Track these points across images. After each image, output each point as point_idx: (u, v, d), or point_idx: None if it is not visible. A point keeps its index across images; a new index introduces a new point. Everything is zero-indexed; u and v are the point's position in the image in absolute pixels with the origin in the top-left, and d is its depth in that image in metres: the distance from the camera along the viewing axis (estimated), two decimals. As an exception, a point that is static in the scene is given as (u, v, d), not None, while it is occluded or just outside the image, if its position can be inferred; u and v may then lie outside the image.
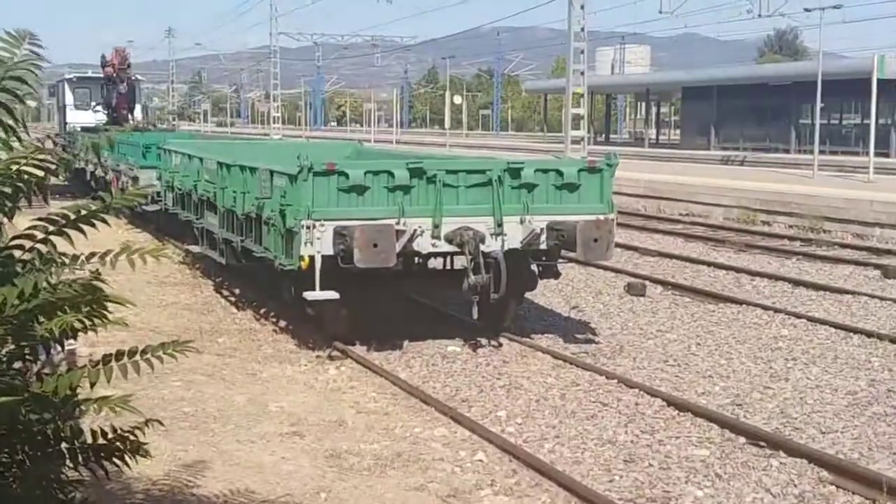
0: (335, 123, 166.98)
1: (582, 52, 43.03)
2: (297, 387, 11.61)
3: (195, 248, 18.73)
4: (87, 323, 4.89)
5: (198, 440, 9.09)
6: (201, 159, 17.77)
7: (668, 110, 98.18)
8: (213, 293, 17.41)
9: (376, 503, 8.03)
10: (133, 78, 40.00)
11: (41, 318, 4.69)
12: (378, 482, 8.48)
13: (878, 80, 39.44)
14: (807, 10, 48.12)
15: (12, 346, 4.73)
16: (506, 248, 12.96)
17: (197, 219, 17.94)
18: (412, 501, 8.08)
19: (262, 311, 15.68)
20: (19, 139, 4.84)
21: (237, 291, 17.22)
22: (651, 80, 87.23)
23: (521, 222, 13.11)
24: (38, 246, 4.91)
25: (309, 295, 12.54)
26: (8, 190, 4.62)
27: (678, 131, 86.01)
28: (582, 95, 43.54)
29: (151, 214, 23.02)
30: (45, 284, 4.66)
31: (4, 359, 4.73)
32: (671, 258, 21.49)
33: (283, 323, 14.82)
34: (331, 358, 12.93)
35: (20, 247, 4.99)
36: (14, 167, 4.56)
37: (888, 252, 21.92)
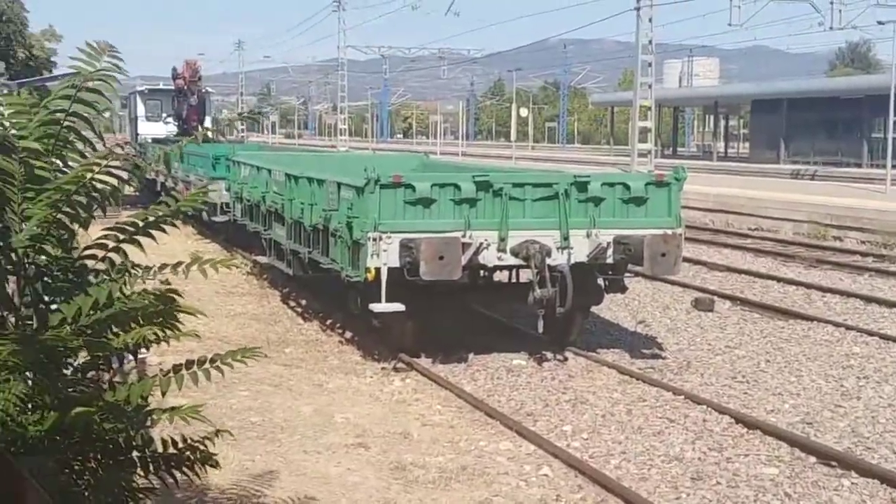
0: (401, 135, 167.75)
1: (650, 64, 42.83)
2: (363, 398, 11.64)
3: (262, 259, 18.88)
4: (160, 334, 4.95)
5: (265, 450, 9.15)
6: (269, 171, 17.91)
7: (736, 123, 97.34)
8: (279, 304, 17.53)
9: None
10: (203, 90, 40.38)
11: (114, 329, 4.74)
12: (443, 495, 8.47)
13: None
14: (880, 22, 47.59)
15: (87, 356, 4.79)
16: (572, 261, 12.92)
17: (265, 230, 18.07)
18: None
19: (328, 322, 15.75)
20: (95, 150, 4.90)
21: (304, 302, 17.32)
22: (720, 93, 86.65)
23: (588, 236, 13.05)
24: (111, 255, 4.96)
25: (375, 307, 12.58)
26: (83, 199, 4.67)
27: (747, 144, 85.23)
28: (649, 108, 43.28)
29: (220, 225, 23.25)
30: (118, 294, 4.72)
31: (79, 368, 4.81)
32: (740, 273, 21.25)
33: (348, 334, 14.88)
34: (396, 370, 12.97)
35: (93, 256, 5.05)
36: (87, 175, 4.60)
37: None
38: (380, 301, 12.48)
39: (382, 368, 13.05)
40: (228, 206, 21.43)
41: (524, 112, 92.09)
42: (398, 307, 12.56)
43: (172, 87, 39.87)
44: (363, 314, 13.46)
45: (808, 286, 19.50)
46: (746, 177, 50.21)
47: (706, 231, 29.79)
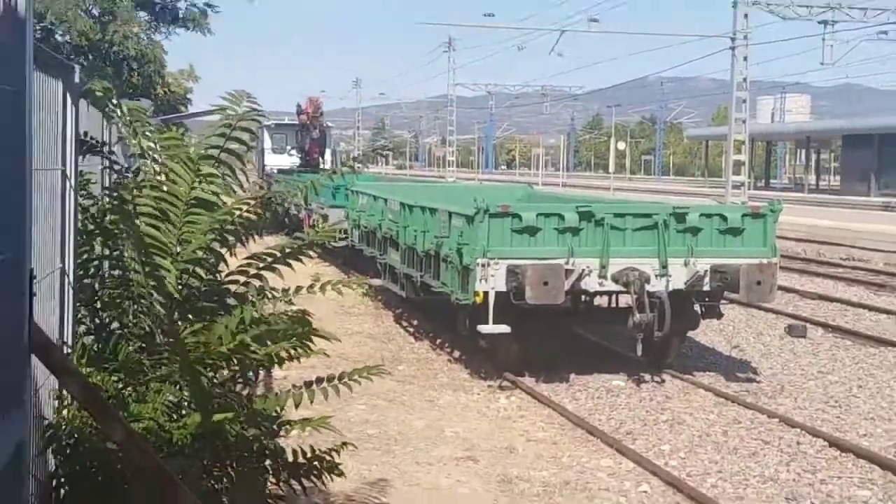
0: (505, 167, 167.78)
1: (744, 101, 42.51)
2: (471, 414, 11.68)
3: (377, 282, 18.99)
4: (293, 352, 5.08)
5: (381, 460, 9.23)
6: (385, 200, 18.10)
7: (827, 157, 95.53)
8: (393, 323, 17.65)
9: (546, 528, 8.04)
10: (324, 125, 40.92)
11: (253, 346, 4.88)
12: (547, 509, 8.49)
13: None
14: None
15: (228, 371, 4.94)
16: (670, 288, 12.83)
17: (380, 255, 18.22)
18: (580, 527, 8.05)
19: (438, 341, 15.81)
20: (241, 186, 5.07)
21: (415, 322, 17.41)
22: (811, 128, 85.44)
23: (686, 264, 12.97)
24: (252, 280, 5.12)
25: (482, 328, 12.64)
26: (232, 229, 4.84)
27: (838, 178, 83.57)
28: (743, 142, 42.90)
29: (339, 250, 23.46)
30: (260, 314, 4.87)
31: (221, 381, 4.96)
32: (832, 301, 20.83)
33: (457, 353, 14.91)
34: (501, 388, 12.97)
35: (235, 281, 5.21)
36: (237, 211, 4.76)
37: None
38: (487, 323, 12.54)
39: (489, 386, 13.07)
40: (346, 232, 21.67)
41: (622, 145, 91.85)
42: (504, 329, 12.61)
43: (296, 122, 40.40)
44: (471, 335, 13.50)
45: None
46: (838, 208, 49.27)
47: (799, 260, 29.21)
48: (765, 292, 13.03)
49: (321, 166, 36.32)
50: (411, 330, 17.11)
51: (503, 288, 12.46)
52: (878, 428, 11.40)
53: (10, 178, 2.41)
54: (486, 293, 12.45)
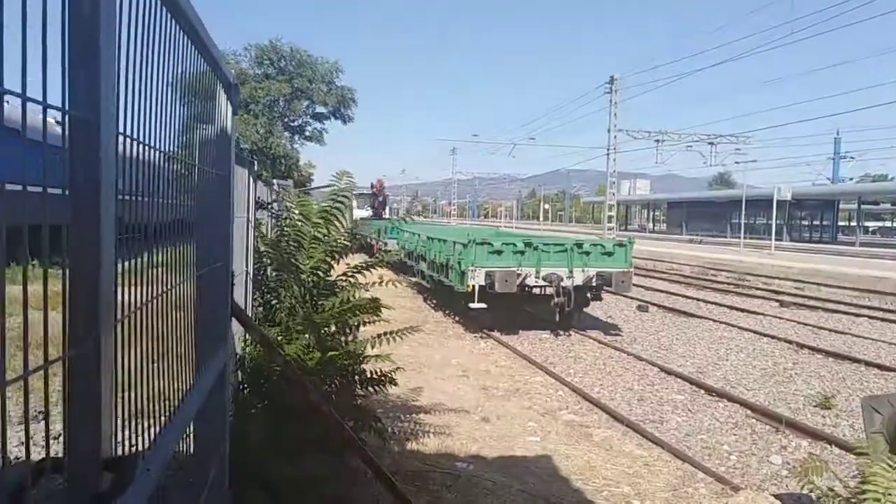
0: (483, 217, 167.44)
1: (613, 182, 42.65)
2: (465, 352, 11.65)
3: (413, 279, 18.98)
4: (370, 318, 5.07)
5: (416, 377, 9.24)
6: (419, 234, 18.10)
7: (658, 214, 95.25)
8: (422, 302, 17.60)
9: (505, 413, 8.00)
10: (385, 194, 41.06)
11: (348, 314, 4.88)
12: (506, 403, 8.44)
13: (778, 201, 38.04)
14: (737, 162, 46.85)
15: (335, 328, 4.94)
16: (574, 284, 12.80)
17: (416, 264, 18.20)
18: (525, 415, 7.98)
19: (447, 312, 15.75)
20: (342, 226, 5.08)
21: (434, 301, 17.33)
22: (651, 198, 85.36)
23: (583, 271, 12.94)
24: (350, 279, 5.12)
25: (471, 305, 12.61)
26: (339, 250, 4.85)
27: (664, 225, 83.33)
28: (613, 205, 43.07)
29: (393, 262, 23.38)
30: (352, 298, 4.87)
31: (332, 333, 4.96)
32: (662, 292, 20.76)
33: (457, 318, 14.84)
34: (481, 337, 12.92)
35: (339, 279, 5.20)
36: (339, 241, 4.77)
37: (782, 292, 20.72)
38: (474, 302, 12.52)
39: (474, 336, 13.03)
40: (397, 252, 21.61)
41: (547, 206, 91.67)
42: (483, 306, 12.58)
43: (370, 192, 40.55)
44: (464, 309, 13.48)
45: (698, 300, 18.97)
46: (665, 242, 49.23)
47: (644, 269, 29.02)
48: (626, 287, 12.98)
49: (383, 216, 36.41)
50: (432, 306, 17.03)
51: (483, 283, 12.44)
52: (688, 362, 11.36)
53: (223, 222, 2.42)
54: (473, 286, 12.43)
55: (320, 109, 34.07)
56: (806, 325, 14.96)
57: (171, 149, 1.63)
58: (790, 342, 12.84)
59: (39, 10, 0.88)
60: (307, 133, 35.50)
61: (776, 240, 40.11)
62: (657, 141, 45.13)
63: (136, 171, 1.29)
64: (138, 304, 1.38)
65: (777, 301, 18.90)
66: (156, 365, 1.56)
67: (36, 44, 0.88)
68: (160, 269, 1.60)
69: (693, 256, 32.05)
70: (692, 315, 16.05)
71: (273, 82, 32.22)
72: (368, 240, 28.17)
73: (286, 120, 33.78)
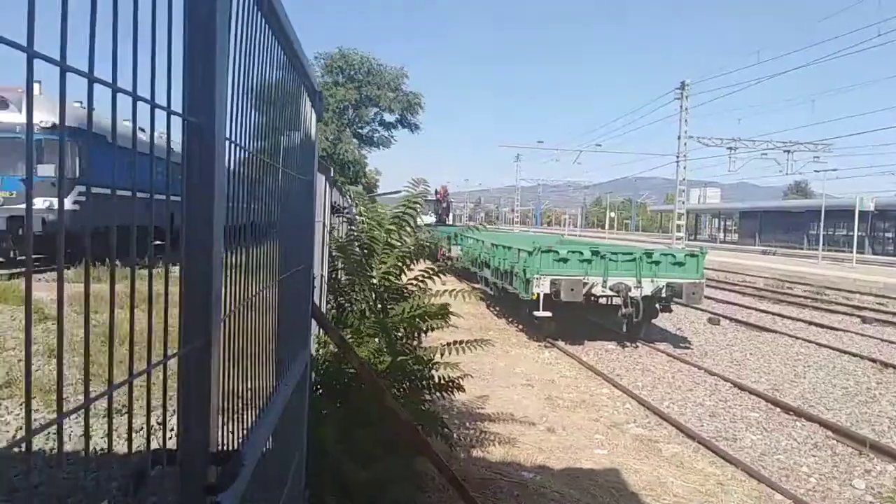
0: (546, 225, 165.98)
1: (683, 190, 41.57)
2: (529, 360, 11.55)
3: (477, 286, 18.94)
4: (439, 324, 5.09)
5: (481, 385, 9.21)
6: (483, 241, 18.09)
7: (730, 223, 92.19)
8: (485, 309, 17.56)
9: (570, 424, 7.88)
10: (449, 200, 41.35)
11: (418, 320, 4.90)
12: (572, 414, 8.32)
13: (860, 211, 36.35)
14: (816, 171, 44.93)
15: (403, 332, 4.98)
16: (642, 294, 12.53)
17: (479, 271, 18.21)
18: (591, 427, 7.86)
19: (510, 319, 15.69)
20: (413, 233, 5.13)
21: (497, 309, 17.29)
22: (723, 207, 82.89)
23: (652, 281, 12.65)
24: (420, 283, 5.15)
25: (536, 313, 12.51)
26: (410, 256, 4.88)
27: (736, 235, 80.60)
28: (682, 214, 42.02)
29: (455, 269, 23.43)
30: (421, 304, 4.90)
31: (400, 337, 5.00)
32: (734, 305, 20.08)
33: (520, 326, 14.76)
34: (545, 347, 12.79)
35: (411, 282, 5.24)
36: (412, 246, 4.80)
37: (864, 307, 19.70)
38: (538, 310, 12.42)
39: (538, 345, 12.92)
40: (459, 259, 21.66)
41: (613, 214, 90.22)
42: (548, 314, 12.45)
43: (434, 198, 40.89)
44: (528, 317, 13.38)
45: (773, 314, 18.25)
46: (736, 253, 47.62)
47: (715, 281, 28.10)
48: (697, 299, 12.62)
49: (446, 223, 36.66)
50: (495, 313, 16.99)
51: (548, 291, 12.32)
52: (762, 378, 10.94)
53: (307, 226, 2.48)
54: (538, 294, 12.33)
55: (388, 117, 34.58)
56: (890, 342, 14.17)
57: (267, 154, 1.68)
58: (873, 360, 12.19)
59: (165, 18, 0.92)
60: (374, 139, 36.09)
61: (858, 252, 38.26)
62: (730, 148, 43.74)
63: (239, 175, 1.34)
64: (234, 305, 1.42)
65: (859, 317, 17.98)
66: (248, 364, 1.61)
67: (160, 52, 0.92)
68: (253, 270, 1.65)
69: (767, 268, 30.88)
70: (767, 329, 15.45)
71: (342, 89, 32.91)
72: (434, 246, 28.33)
73: (354, 127, 34.43)
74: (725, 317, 17.13)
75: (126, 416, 0.97)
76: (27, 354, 0.74)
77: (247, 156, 1.49)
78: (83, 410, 0.82)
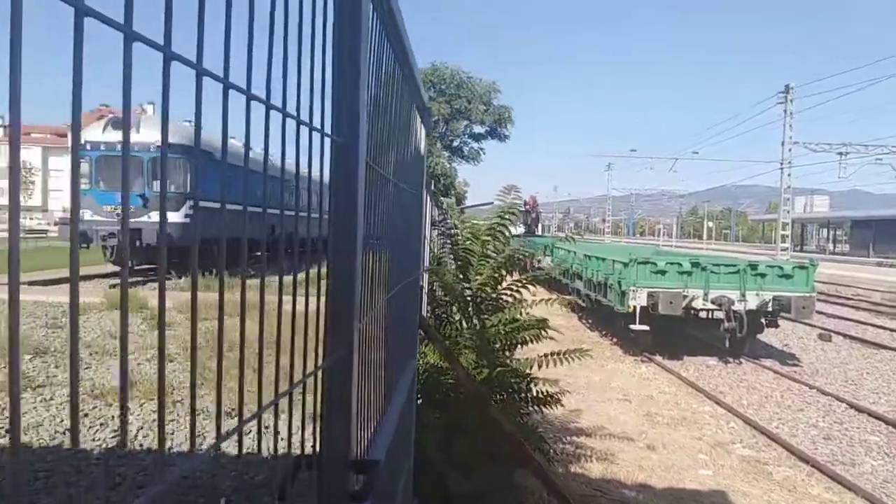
0: (639, 235, 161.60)
1: (788, 199, 39.51)
2: (625, 375, 11.26)
3: (568, 298, 18.65)
4: (535, 337, 5.05)
5: (576, 399, 9.07)
6: (575, 252, 17.82)
7: (840, 233, 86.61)
8: (578, 322, 17.28)
9: (671, 442, 7.61)
10: (538, 210, 41.09)
11: (516, 333, 4.88)
12: (673, 432, 8.05)
13: None
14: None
15: (499, 344, 4.97)
16: (747, 308, 11.97)
17: (571, 283, 17.94)
18: (694, 445, 7.56)
19: (604, 332, 15.35)
20: (507, 243, 5.13)
21: (590, 321, 16.99)
22: (832, 216, 78.13)
23: (757, 295, 12.06)
24: (514, 293, 5.14)
25: (632, 327, 12.19)
26: (506, 267, 4.88)
27: (846, 247, 75.65)
28: (787, 223, 39.94)
29: (545, 280, 23.15)
30: (518, 316, 4.88)
31: (498, 349, 4.99)
32: (847, 320, 18.82)
33: (615, 339, 14.42)
34: (642, 361, 12.43)
35: (504, 293, 5.24)
36: (512, 255, 4.80)
37: None
38: (635, 323, 12.10)
39: (635, 359, 12.57)
40: (551, 269, 21.39)
41: (711, 224, 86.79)
42: (645, 328, 12.11)
43: (524, 208, 40.75)
44: (623, 330, 13.05)
45: (891, 329, 16.91)
46: (847, 265, 44.64)
47: (825, 294, 26.42)
48: (807, 313, 11.94)
49: (536, 233, 36.41)
50: (587, 325, 16.68)
51: (645, 304, 11.98)
52: (881, 398, 10.20)
53: (416, 237, 2.53)
54: (634, 306, 12.02)
55: (478, 129, 34.75)
56: None
57: (387, 169, 1.74)
58: None
59: (309, 40, 0.97)
60: (464, 152, 36.38)
61: None
62: (840, 154, 41.22)
63: (371, 190, 1.39)
64: (364, 315, 1.47)
65: None
66: (370, 373, 1.66)
67: (305, 72, 0.97)
68: (376, 281, 1.70)
69: (883, 281, 28.78)
70: (885, 347, 14.38)
71: (434, 104, 33.42)
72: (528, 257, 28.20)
73: (445, 140, 34.83)
74: (838, 332, 16.09)
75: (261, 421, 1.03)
76: (192, 360, 0.79)
77: (372, 171, 1.54)
78: (237, 419, 0.87)
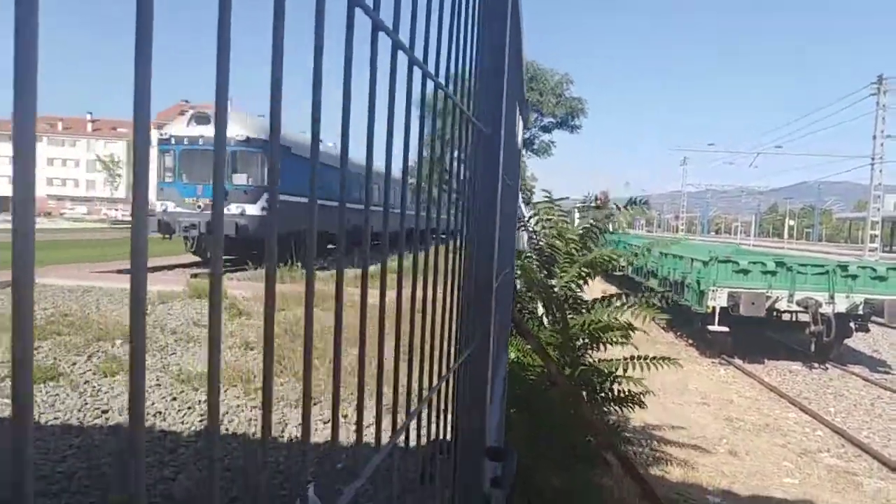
0: (714, 233, 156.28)
1: (878, 196, 37.52)
2: (702, 377, 10.98)
3: (638, 300, 18.25)
4: (617, 339, 4.98)
5: (652, 400, 8.80)
6: (649, 250, 17.38)
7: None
8: (651, 322, 16.87)
9: (754, 448, 7.37)
10: (609, 207, 40.37)
11: (600, 333, 4.82)
12: (755, 438, 7.80)
13: None
14: None
15: (585, 342, 4.92)
16: (835, 311, 11.43)
17: (645, 280, 17.53)
18: (778, 453, 7.30)
19: (679, 333, 14.98)
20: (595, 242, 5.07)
21: (663, 321, 16.57)
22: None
23: (846, 297, 11.50)
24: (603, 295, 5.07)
25: (711, 328, 11.86)
26: (592, 268, 4.83)
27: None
28: (877, 222, 37.95)
29: (616, 276, 22.75)
30: (602, 318, 4.82)
31: (580, 347, 4.94)
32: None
33: (690, 341, 14.06)
34: (720, 364, 12.10)
35: (599, 299, 5.18)
36: (601, 259, 4.75)
37: None
38: (713, 324, 11.75)
39: (712, 362, 12.22)
40: (623, 267, 20.99)
41: (792, 222, 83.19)
42: (725, 329, 11.75)
43: (594, 204, 40.04)
44: (700, 331, 12.69)
45: None
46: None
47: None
48: (903, 318, 11.32)
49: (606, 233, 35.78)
50: (660, 325, 16.22)
51: (724, 304, 11.63)
52: None
53: (513, 228, 2.53)
54: (714, 307, 11.67)
55: (549, 121, 34.37)
56: None
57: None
58: None
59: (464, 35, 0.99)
60: (535, 145, 36.07)
61: None
62: (939, 148, 38.88)
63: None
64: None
65: None
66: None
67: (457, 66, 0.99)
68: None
69: None
70: None
71: (502, 97, 33.21)
72: (616, 260, 27.53)
73: (514, 133, 34.75)
74: (935, 340, 15.19)
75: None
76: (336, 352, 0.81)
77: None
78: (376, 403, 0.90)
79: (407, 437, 0.79)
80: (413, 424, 0.80)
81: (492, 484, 1.06)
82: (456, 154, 0.93)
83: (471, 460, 1.06)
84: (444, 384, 0.97)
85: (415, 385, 0.84)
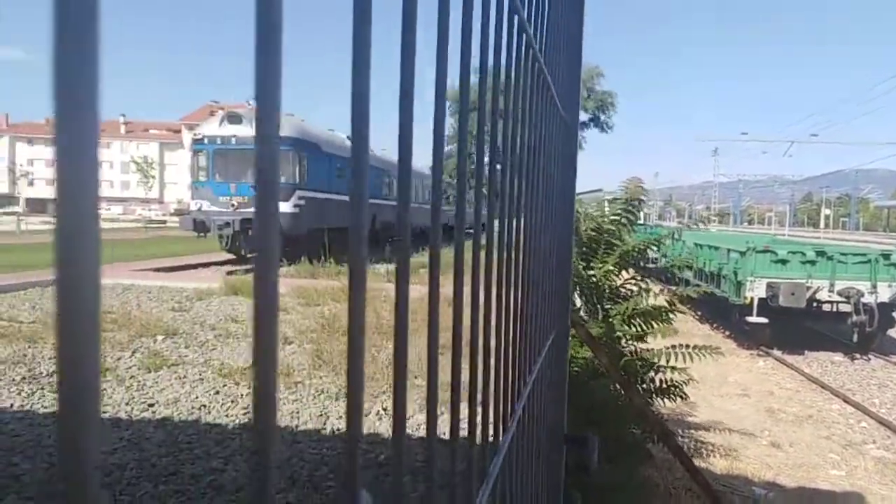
0: (747, 224, 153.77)
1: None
2: (741, 369, 10.81)
3: (673, 288, 18.05)
4: (658, 326, 4.94)
5: (692, 393, 8.72)
6: (684, 241, 17.19)
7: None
8: (686, 316, 16.71)
9: (797, 440, 7.26)
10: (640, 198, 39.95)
11: (640, 320, 4.80)
12: (798, 430, 7.68)
13: None
14: None
15: (623, 334, 4.89)
16: (878, 301, 11.18)
17: (680, 272, 17.31)
18: (823, 445, 7.18)
19: (716, 325, 14.78)
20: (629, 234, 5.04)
21: (699, 313, 16.36)
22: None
23: (890, 286, 11.24)
24: (637, 285, 5.04)
25: (749, 319, 11.68)
26: (628, 259, 4.81)
27: None
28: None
29: (650, 269, 22.51)
30: (638, 305, 4.79)
31: (619, 337, 4.92)
32: None
33: (728, 332, 13.86)
34: (759, 355, 11.90)
35: (629, 280, 5.15)
36: (633, 248, 4.72)
37: None
38: (752, 316, 11.57)
39: (750, 354, 12.03)
40: (656, 258, 20.78)
41: (828, 211, 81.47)
42: (763, 320, 11.57)
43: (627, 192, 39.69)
44: (738, 323, 12.50)
45: None
46: None
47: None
48: (950, 307, 11.02)
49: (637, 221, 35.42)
50: (696, 317, 16.06)
51: (763, 295, 11.45)
52: None
53: (568, 229, 2.52)
54: (752, 298, 11.50)
55: (581, 117, 34.13)
56: None
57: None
58: None
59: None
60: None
61: None
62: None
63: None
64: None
65: None
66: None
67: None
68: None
69: None
70: None
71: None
72: (654, 247, 27.22)
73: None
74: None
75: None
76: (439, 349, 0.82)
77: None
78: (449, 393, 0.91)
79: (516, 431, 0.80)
80: (519, 418, 0.81)
81: (573, 471, 1.06)
82: (542, 141, 0.94)
83: (551, 447, 1.07)
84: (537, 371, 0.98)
85: (512, 376, 0.86)
